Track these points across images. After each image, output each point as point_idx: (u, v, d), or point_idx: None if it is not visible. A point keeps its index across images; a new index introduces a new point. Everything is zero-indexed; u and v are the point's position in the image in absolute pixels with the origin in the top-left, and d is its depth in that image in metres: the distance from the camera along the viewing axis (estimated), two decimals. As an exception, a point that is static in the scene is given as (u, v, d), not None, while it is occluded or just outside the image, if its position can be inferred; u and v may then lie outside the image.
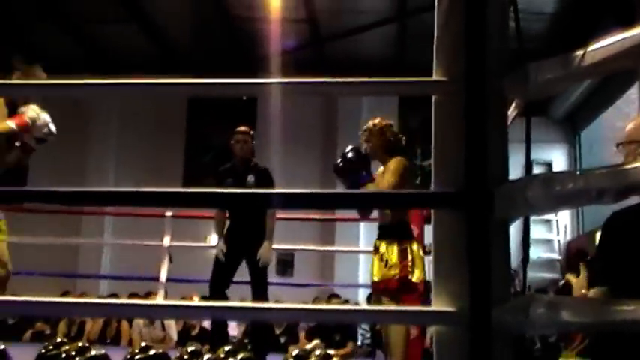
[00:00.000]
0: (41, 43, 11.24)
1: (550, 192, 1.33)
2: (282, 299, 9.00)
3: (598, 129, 10.46)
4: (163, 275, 6.83)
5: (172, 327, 8.29)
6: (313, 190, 1.39)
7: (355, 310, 1.96)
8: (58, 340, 3.80)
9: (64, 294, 8.51)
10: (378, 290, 4.14)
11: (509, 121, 1.58)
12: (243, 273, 5.23)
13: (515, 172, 1.39)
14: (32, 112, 3.70)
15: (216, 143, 11.58)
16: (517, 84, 1.47)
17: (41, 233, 8.22)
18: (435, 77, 1.51)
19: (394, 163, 4.06)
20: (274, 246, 5.21)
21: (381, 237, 4.22)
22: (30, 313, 5.85)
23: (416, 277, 4.01)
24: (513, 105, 2.57)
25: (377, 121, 4.28)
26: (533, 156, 10.08)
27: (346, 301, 9.54)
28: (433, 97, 1.51)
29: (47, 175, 9.83)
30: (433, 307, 1.42)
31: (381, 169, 4.23)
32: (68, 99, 8.19)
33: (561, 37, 9.28)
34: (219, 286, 5.06)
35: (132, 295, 8.71)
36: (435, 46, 1.54)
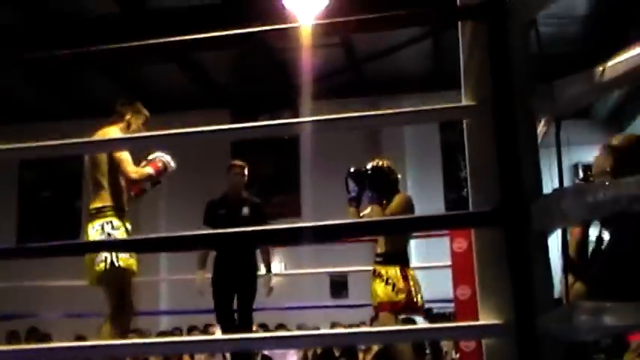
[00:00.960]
0: (81, 87, 11.66)
1: (583, 202, 1.39)
2: (337, 321, 9.07)
3: (642, 127, 10.33)
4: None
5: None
6: (355, 220, 1.48)
7: (406, 330, 2.03)
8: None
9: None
10: (384, 310, 4.43)
11: (540, 137, 1.65)
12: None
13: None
14: (166, 157, 4.12)
15: (261, 175, 11.77)
16: (544, 102, 1.54)
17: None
18: (464, 102, 1.59)
19: (398, 197, 4.50)
20: (327, 270, 5.35)
21: (382, 263, 4.51)
22: (96, 357, 6.01)
23: (419, 299, 4.49)
24: (543, 122, 2.62)
25: (378, 162, 4.59)
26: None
27: (409, 319, 9.55)
28: (465, 121, 1.59)
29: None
30: (481, 322, 1.48)
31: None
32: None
33: (596, 39, 9.21)
34: (225, 319, 5.17)
35: (192, 328, 8.88)
36: (462, 72, 1.62)
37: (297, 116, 11.47)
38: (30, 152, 2.54)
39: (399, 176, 4.69)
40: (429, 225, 1.79)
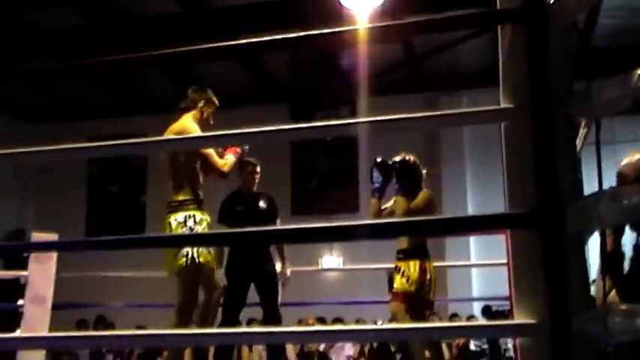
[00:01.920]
0: (140, 83, 11.94)
1: (619, 206, 1.41)
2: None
3: None
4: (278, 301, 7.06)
5: (291, 350, 8.54)
6: (414, 218, 1.52)
7: (444, 327, 2.06)
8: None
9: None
10: (396, 300, 4.54)
11: (582, 138, 1.66)
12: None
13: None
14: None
15: (320, 168, 11.85)
16: (582, 106, 1.56)
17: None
18: (502, 105, 1.61)
19: (422, 194, 4.60)
20: (385, 265, 5.40)
21: (403, 259, 4.60)
22: (154, 345, 6.24)
23: (432, 294, 4.54)
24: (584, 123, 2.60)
25: (405, 156, 4.70)
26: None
27: (455, 315, 9.52)
28: (502, 124, 1.61)
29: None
30: (516, 321, 1.51)
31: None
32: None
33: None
34: (232, 314, 5.22)
35: (251, 321, 9.04)
36: (501, 75, 1.65)
37: (355, 113, 11.52)
38: (108, 151, 2.65)
39: (424, 172, 4.75)
40: (466, 226, 1.82)
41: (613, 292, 1.76)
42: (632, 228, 1.80)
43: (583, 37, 8.78)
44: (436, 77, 11.20)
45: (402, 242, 4.65)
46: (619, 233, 1.94)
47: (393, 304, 4.58)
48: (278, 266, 5.85)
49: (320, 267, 11.09)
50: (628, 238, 1.91)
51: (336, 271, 11.25)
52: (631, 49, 9.26)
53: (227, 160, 4.21)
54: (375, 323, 8.15)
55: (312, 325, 8.62)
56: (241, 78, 11.11)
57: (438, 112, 1.53)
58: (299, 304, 8.04)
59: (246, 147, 4.43)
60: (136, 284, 8.50)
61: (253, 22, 9.13)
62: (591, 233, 1.54)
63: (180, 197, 4.04)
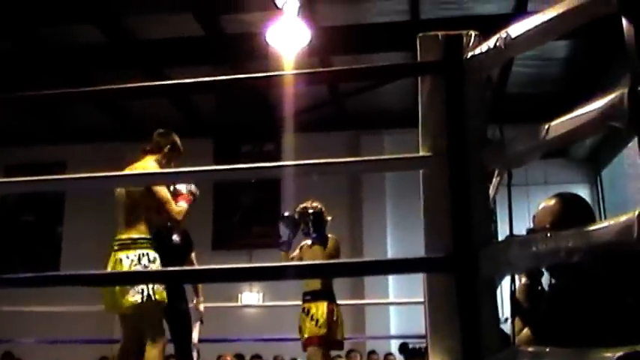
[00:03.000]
0: (63, 111, 11.70)
1: (527, 252, 1.49)
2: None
3: (620, 166, 10.50)
4: (195, 337, 6.97)
5: (208, 387, 8.39)
6: (335, 261, 1.56)
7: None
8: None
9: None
10: (311, 344, 4.70)
11: (493, 190, 1.75)
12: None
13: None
14: (192, 187, 4.27)
15: (243, 203, 11.82)
16: (495, 155, 1.65)
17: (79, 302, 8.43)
18: (421, 152, 1.69)
19: (332, 242, 4.87)
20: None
21: (311, 301, 4.80)
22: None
23: (340, 334, 4.77)
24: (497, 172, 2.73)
25: (315, 204, 4.93)
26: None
27: (372, 352, 9.61)
28: (421, 171, 1.69)
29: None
30: (430, 362, 1.57)
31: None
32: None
33: (576, 80, 9.45)
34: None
35: (168, 357, 8.85)
36: (420, 123, 1.73)
37: (280, 148, 11.59)
38: (58, 184, 2.59)
39: (329, 219, 4.99)
40: (385, 269, 1.87)
41: (525, 331, 1.84)
42: (548, 271, 1.90)
43: (497, 84, 9.16)
44: (359, 116, 11.39)
45: (310, 285, 4.82)
46: (536, 276, 2.04)
47: (310, 350, 4.70)
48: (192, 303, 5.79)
49: (240, 303, 10.99)
50: (545, 279, 2.01)
51: (256, 308, 11.17)
52: (542, 96, 9.71)
53: (181, 208, 4.17)
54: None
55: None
56: (166, 110, 11.01)
57: (361, 158, 1.59)
58: (217, 340, 7.94)
59: (197, 192, 4.38)
60: (48, 319, 8.21)
61: (179, 56, 9.13)
62: (503, 277, 1.62)
63: (134, 235, 3.98)
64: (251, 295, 11.43)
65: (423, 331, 5.18)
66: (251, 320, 10.84)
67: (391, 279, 10.65)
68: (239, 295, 11.30)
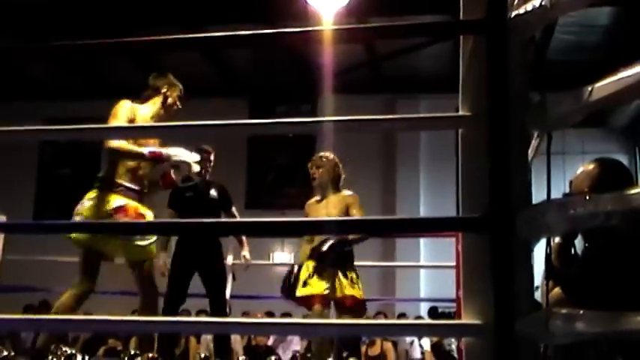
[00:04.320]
0: (100, 67, 11.77)
1: (565, 215, 1.47)
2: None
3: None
4: (227, 293, 7.08)
5: (238, 342, 8.54)
6: (370, 217, 1.56)
7: (390, 325, 2.12)
8: (132, 352, 4.06)
9: (134, 312, 8.86)
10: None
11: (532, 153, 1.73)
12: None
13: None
14: (173, 150, 4.03)
15: (277, 164, 11.86)
16: (537, 118, 1.62)
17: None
18: (460, 112, 1.67)
19: (353, 198, 4.76)
20: None
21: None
22: (103, 330, 6.23)
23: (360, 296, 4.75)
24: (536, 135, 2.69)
25: (331, 156, 4.87)
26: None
27: (402, 315, 9.66)
28: (460, 130, 1.67)
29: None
30: (462, 321, 1.57)
31: (325, 199, 4.85)
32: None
33: (616, 49, 9.24)
34: (174, 304, 5.18)
35: (199, 312, 9.01)
36: (461, 83, 1.71)
37: (315, 110, 11.57)
38: (64, 134, 2.63)
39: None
40: (423, 227, 1.87)
41: (556, 290, 1.83)
42: (582, 234, 1.89)
43: (539, 50, 8.99)
44: (396, 80, 11.31)
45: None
46: (571, 238, 2.02)
47: (315, 308, 4.66)
48: (229, 259, 5.84)
49: (271, 261, 11.11)
50: (578, 242, 2.00)
51: (287, 266, 11.28)
52: (583, 64, 9.53)
53: (118, 145, 3.91)
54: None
55: (260, 318, 8.64)
56: (202, 69, 11.05)
57: (399, 116, 1.58)
58: (248, 297, 8.06)
59: (194, 168, 4.18)
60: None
61: (219, 14, 9.10)
62: (539, 240, 1.61)
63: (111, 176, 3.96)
64: (282, 255, 11.54)
65: (452, 296, 5.23)
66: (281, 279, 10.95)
67: (422, 243, 10.66)
68: (270, 254, 11.42)
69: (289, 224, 1.65)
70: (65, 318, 2.25)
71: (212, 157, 5.47)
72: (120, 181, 3.93)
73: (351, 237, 4.47)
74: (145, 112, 4.06)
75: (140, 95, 4.23)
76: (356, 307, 4.70)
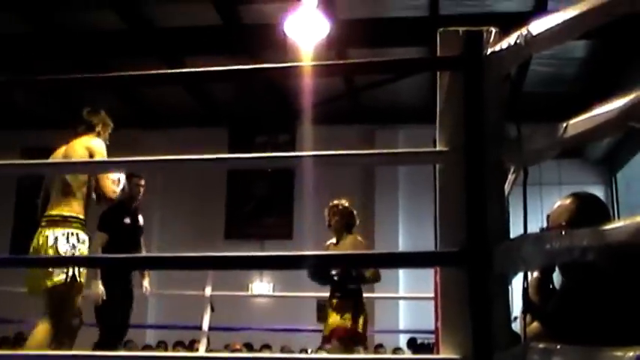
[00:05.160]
0: (87, 101, 11.72)
1: (541, 249, 1.49)
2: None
3: (636, 168, 10.43)
4: (205, 324, 7.02)
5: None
6: (349, 252, 1.57)
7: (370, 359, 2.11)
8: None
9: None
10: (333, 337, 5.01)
11: (508, 188, 1.75)
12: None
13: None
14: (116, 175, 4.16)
15: (256, 194, 11.83)
16: (512, 152, 1.65)
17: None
18: (438, 147, 1.69)
19: (362, 245, 5.20)
20: (314, 294, 5.55)
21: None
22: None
23: (361, 327, 5.01)
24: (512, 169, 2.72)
25: (346, 203, 5.30)
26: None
27: (380, 346, 9.62)
28: (437, 166, 1.69)
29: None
30: (441, 355, 1.58)
31: (340, 240, 5.22)
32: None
33: (592, 81, 9.41)
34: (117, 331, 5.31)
35: (177, 344, 8.91)
36: (438, 118, 1.73)
37: (294, 140, 11.59)
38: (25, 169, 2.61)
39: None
40: (399, 261, 1.88)
41: (534, 324, 1.84)
42: (559, 268, 1.91)
43: (515, 82, 9.12)
44: (374, 110, 11.38)
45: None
46: (549, 272, 2.04)
47: (335, 343, 4.99)
48: (208, 290, 5.81)
49: (250, 293, 11.04)
50: (557, 276, 2.01)
51: (266, 297, 11.21)
52: (561, 95, 9.66)
53: (115, 189, 4.15)
54: (305, 352, 8.16)
55: (239, 350, 8.56)
56: (183, 99, 11.05)
57: (377, 151, 1.59)
58: (227, 328, 7.99)
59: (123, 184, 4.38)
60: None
61: (198, 45, 9.15)
62: (516, 274, 1.62)
63: (65, 212, 3.92)
64: (261, 285, 11.47)
65: (431, 327, 5.23)
66: (261, 310, 10.88)
67: (401, 274, 10.66)
68: (249, 285, 11.35)
69: (261, 259, 1.65)
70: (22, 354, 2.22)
71: (143, 183, 5.50)
72: (84, 216, 4.01)
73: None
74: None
75: (74, 128, 4.25)
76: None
